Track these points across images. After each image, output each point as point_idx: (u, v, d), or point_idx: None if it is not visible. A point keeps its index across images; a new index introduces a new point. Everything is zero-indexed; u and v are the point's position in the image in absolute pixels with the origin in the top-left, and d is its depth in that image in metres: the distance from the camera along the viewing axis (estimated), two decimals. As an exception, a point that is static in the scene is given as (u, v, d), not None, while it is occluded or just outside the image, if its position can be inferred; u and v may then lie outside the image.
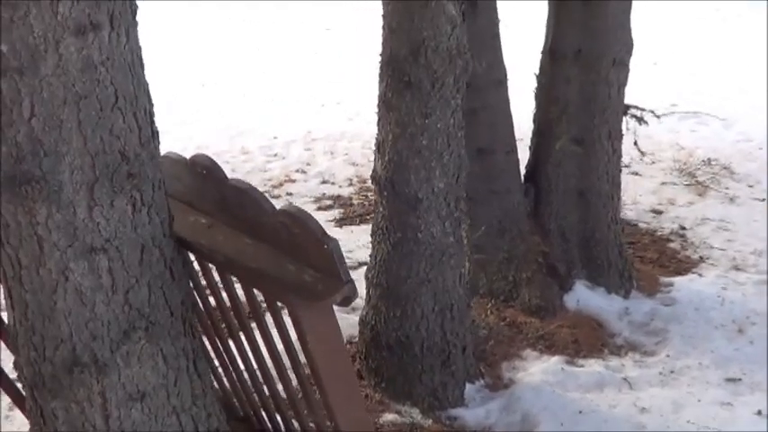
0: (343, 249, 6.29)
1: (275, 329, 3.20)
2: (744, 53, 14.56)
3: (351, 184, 8.22)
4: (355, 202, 7.67)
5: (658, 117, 6.01)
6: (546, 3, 5.61)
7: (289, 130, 10.27)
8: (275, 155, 9.29)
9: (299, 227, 2.83)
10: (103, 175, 2.73)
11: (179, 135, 10.03)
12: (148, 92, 2.93)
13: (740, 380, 4.89)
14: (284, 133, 10.14)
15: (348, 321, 5.15)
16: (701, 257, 6.49)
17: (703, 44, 15.42)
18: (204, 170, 3.26)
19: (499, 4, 5.33)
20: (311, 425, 3.61)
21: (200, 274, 3.42)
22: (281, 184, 8.27)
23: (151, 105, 2.95)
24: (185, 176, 3.36)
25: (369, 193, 7.69)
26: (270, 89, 12.49)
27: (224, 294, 3.41)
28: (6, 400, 4.52)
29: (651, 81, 12.36)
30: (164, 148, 7.57)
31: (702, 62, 13.94)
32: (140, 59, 2.88)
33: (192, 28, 18.54)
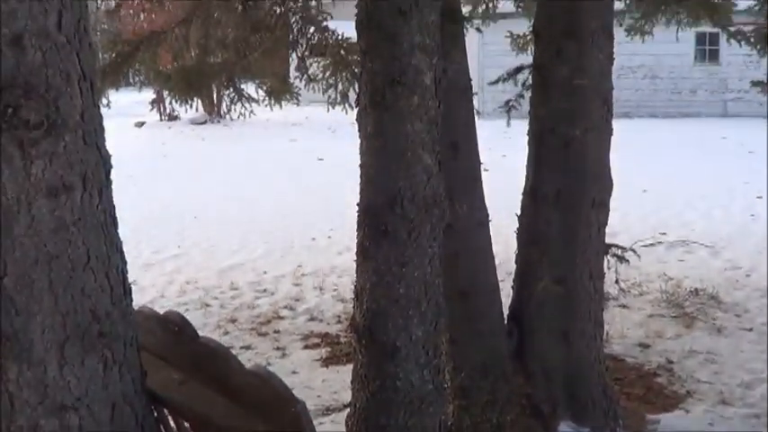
0: (328, 390, 6.33)
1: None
2: (729, 177, 14.72)
3: (339, 322, 8.22)
4: (343, 340, 7.66)
5: (639, 256, 6.05)
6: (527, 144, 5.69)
7: (278, 265, 10.32)
8: (264, 290, 9.31)
9: (267, 388, 2.85)
10: (74, 334, 2.75)
11: (167, 268, 10.09)
12: (121, 250, 2.96)
13: None
14: (274, 268, 10.19)
15: (330, 469, 5.12)
16: (687, 392, 6.46)
17: (691, 168, 15.59)
18: (176, 327, 3.28)
19: (480, 147, 5.42)
20: None
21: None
22: (269, 321, 8.27)
23: (124, 264, 2.98)
24: (157, 331, 3.38)
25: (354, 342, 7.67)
26: (261, 221, 12.58)
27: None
28: None
29: (640, 209, 12.48)
30: (152, 282, 7.59)
31: (690, 187, 14.07)
32: (113, 218, 2.92)
33: (186, 156, 18.77)
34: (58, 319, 2.72)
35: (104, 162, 2.87)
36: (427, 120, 4.05)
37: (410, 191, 4.06)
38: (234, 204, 13.81)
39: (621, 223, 11.08)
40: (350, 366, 4.73)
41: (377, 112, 4.07)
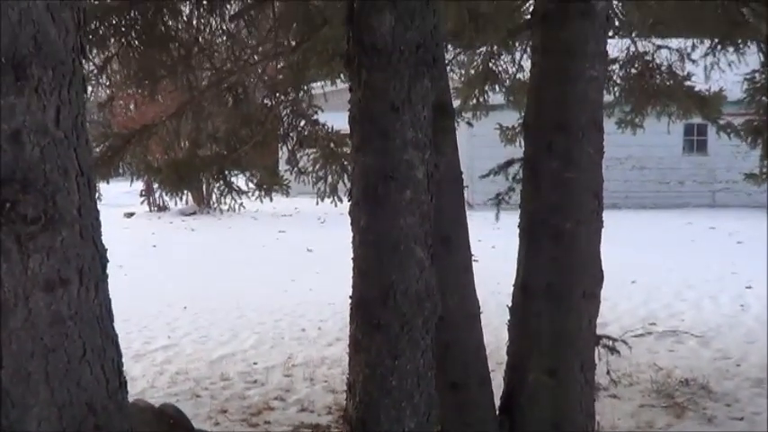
0: (321, 489, 6.25)
1: None
2: (718, 267, 14.80)
3: (330, 413, 8.18)
4: (334, 431, 7.62)
5: (630, 347, 6.08)
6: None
7: (269, 356, 10.31)
8: (255, 381, 9.28)
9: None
10: (70, 427, 2.77)
11: (158, 359, 10.08)
12: (117, 343, 2.99)
13: None
14: (264, 359, 10.18)
15: None
16: (680, 490, 6.45)
17: (679, 258, 15.68)
18: (171, 420, 3.30)
19: (470, 238, 5.46)
20: None
21: None
22: (259, 412, 8.23)
23: (119, 356, 3.01)
24: (153, 424, 3.40)
25: (347, 433, 7.67)
26: (251, 312, 12.59)
27: None
28: None
29: (630, 300, 12.53)
30: (142, 373, 7.60)
31: (678, 278, 14.16)
32: (109, 312, 2.95)
33: (175, 247, 18.81)
34: (54, 412, 2.74)
35: (101, 256, 2.91)
36: (420, 214, 4.11)
37: (403, 284, 4.10)
38: (224, 295, 13.82)
39: (611, 314, 11.13)
40: (342, 459, 4.75)
41: (370, 207, 4.13)
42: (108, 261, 2.98)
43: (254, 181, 9.16)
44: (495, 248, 13.30)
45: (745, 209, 23.18)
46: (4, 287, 2.62)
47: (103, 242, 2.98)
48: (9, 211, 2.63)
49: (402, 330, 4.14)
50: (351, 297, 4.32)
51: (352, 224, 4.24)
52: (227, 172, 9.02)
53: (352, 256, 4.29)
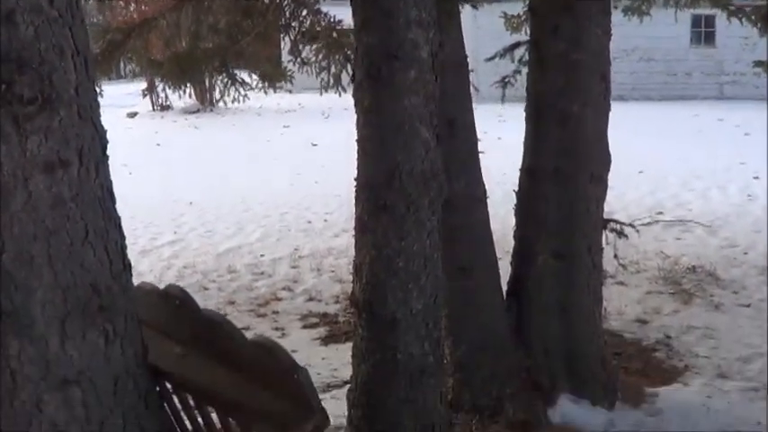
0: (328, 367, 6.34)
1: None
2: (725, 158, 14.73)
3: (337, 302, 8.22)
4: (341, 319, 7.66)
5: (638, 231, 6.05)
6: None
7: (275, 248, 10.33)
8: (262, 273, 9.31)
9: (269, 357, 2.85)
10: (75, 308, 2.76)
11: (165, 254, 10.10)
12: (119, 225, 2.96)
13: (727, 489, 4.86)
14: (271, 251, 10.20)
15: (333, 443, 5.13)
16: (686, 366, 6.46)
17: (687, 150, 15.61)
18: (177, 300, 3.28)
19: (477, 121, 5.41)
20: None
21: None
22: (267, 303, 8.27)
23: (122, 238, 2.98)
24: (159, 306, 3.38)
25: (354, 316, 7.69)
26: (256, 206, 12.58)
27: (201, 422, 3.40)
28: None
29: (638, 189, 12.49)
30: (149, 268, 7.60)
31: (686, 168, 14.09)
32: (111, 194, 2.92)
33: (179, 145, 18.76)
34: (58, 294, 2.72)
35: (100, 137, 2.87)
36: (424, 94, 4.05)
37: (408, 165, 4.06)
38: (229, 190, 13.81)
39: (618, 203, 11.09)
40: (349, 344, 4.75)
41: (373, 87, 4.07)
42: (108, 142, 2.94)
43: (257, 74, 9.06)
44: (501, 140, 13.21)
45: (753, 101, 22.95)
46: (3, 170, 2.59)
47: (102, 124, 2.93)
48: (5, 92, 2.59)
49: (408, 211, 4.11)
50: (356, 179, 4.29)
51: (356, 106, 4.19)
52: (229, 66, 8.91)
53: (356, 138, 4.24)
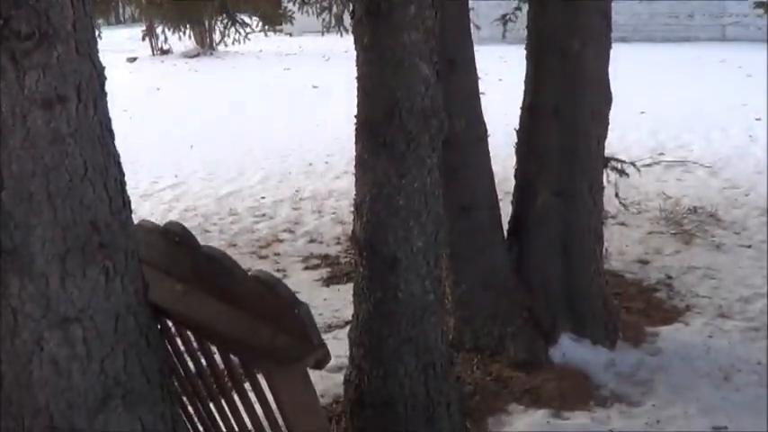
0: (330, 308, 6.36)
1: (254, 393, 3.21)
2: (727, 99, 14.67)
3: (338, 243, 8.24)
4: (343, 260, 7.68)
5: (638, 169, 6.04)
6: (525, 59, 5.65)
7: (276, 190, 10.33)
8: (263, 215, 9.32)
9: (270, 293, 2.85)
10: (75, 246, 2.75)
11: (166, 198, 10.10)
12: (119, 162, 2.95)
13: (726, 428, 4.85)
14: (272, 193, 10.21)
15: (334, 381, 5.15)
16: (687, 306, 6.48)
17: (688, 91, 15.54)
18: (177, 237, 3.27)
19: (478, 62, 5.38)
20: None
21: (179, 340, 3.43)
22: (268, 245, 8.29)
23: (122, 175, 2.97)
24: (160, 244, 3.38)
25: (355, 255, 7.69)
26: (257, 149, 12.56)
27: (203, 359, 3.42)
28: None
29: (639, 130, 12.46)
30: (150, 212, 7.60)
31: (687, 109, 14.04)
32: (110, 130, 2.90)
33: (179, 89, 18.70)
34: (57, 232, 2.71)
35: (98, 73, 2.84)
36: (424, 30, 4.02)
37: (408, 102, 4.04)
38: (230, 133, 13.77)
39: (620, 144, 11.05)
40: (350, 285, 4.76)
41: (373, 23, 4.04)
42: (106, 78, 2.92)
43: (258, 15, 9.02)
44: (502, 81, 13.14)
45: (756, 43, 22.79)
46: (1, 106, 2.57)
47: (101, 59, 2.91)
48: (2, 28, 2.56)
49: (408, 148, 4.09)
50: (356, 117, 4.27)
51: (355, 42, 4.15)
52: (229, 7, 8.86)
53: (356, 76, 4.21)
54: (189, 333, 3.38)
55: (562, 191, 5.52)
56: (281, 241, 8.40)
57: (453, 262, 5.23)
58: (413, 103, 4.04)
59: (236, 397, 3.40)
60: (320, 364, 2.84)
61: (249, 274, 2.99)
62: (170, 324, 3.36)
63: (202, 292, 3.17)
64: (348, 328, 4.77)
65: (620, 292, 6.64)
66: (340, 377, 4.99)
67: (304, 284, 7.09)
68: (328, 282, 7.26)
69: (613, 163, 5.83)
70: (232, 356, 3.24)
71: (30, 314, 2.75)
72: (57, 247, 2.72)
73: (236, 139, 13.23)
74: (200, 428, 3.95)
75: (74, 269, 2.77)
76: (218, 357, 3.34)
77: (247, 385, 3.28)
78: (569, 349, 5.60)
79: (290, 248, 8.18)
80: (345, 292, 6.52)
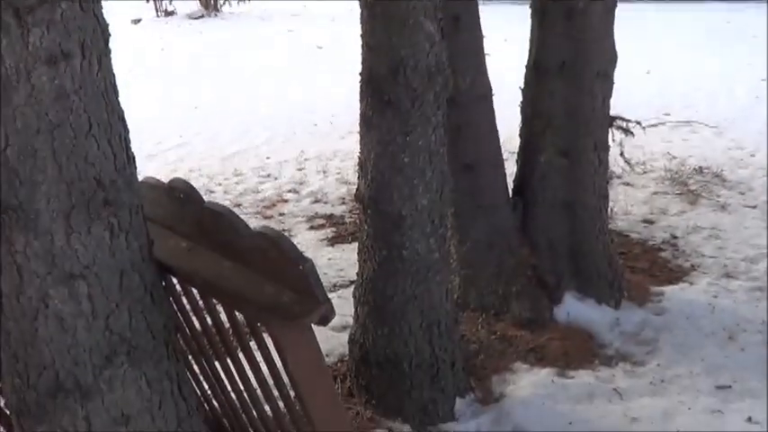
0: (335, 268, 6.37)
1: (259, 351, 3.22)
2: (733, 60, 14.60)
3: (343, 203, 8.23)
4: (348, 220, 7.68)
5: (644, 128, 6.02)
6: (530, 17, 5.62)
7: (281, 151, 10.32)
8: (268, 176, 9.31)
9: (274, 249, 2.85)
10: (80, 202, 2.75)
11: (170, 158, 10.09)
12: (123, 118, 2.94)
13: (731, 387, 4.87)
14: (277, 154, 10.19)
15: (339, 340, 5.17)
16: (692, 266, 6.48)
17: (693, 51, 15.46)
18: (182, 194, 3.27)
19: (482, 22, 5.35)
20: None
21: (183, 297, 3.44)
22: (273, 205, 8.29)
23: (126, 132, 2.96)
24: (164, 201, 3.38)
25: (359, 214, 7.70)
26: (262, 109, 12.53)
27: (208, 317, 3.42)
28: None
29: (644, 90, 12.40)
30: (155, 172, 7.61)
31: (693, 70, 13.97)
32: (114, 86, 2.89)
33: (184, 50, 18.63)
34: (62, 188, 2.71)
35: (103, 30, 2.82)
36: (428, -14, 4.01)
37: (413, 59, 4.03)
38: (234, 94, 13.72)
39: (625, 104, 10.95)
40: (355, 245, 4.77)
41: (377, -21, 4.03)
42: (110, 35, 2.90)
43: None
44: (507, 41, 13.06)
45: (761, 2, 22.66)
46: (5, 63, 2.55)
47: (104, 16, 2.89)
48: (6, -16, 2.54)
49: (413, 106, 4.08)
50: (360, 75, 4.25)
51: (359, 0, 4.14)
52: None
53: (360, 33, 4.20)
54: (193, 290, 3.39)
55: (566, 149, 5.50)
56: (285, 201, 8.40)
57: (457, 221, 5.22)
58: (417, 60, 4.02)
59: (240, 355, 3.42)
60: (324, 320, 2.84)
61: (254, 230, 2.98)
62: (175, 281, 3.37)
63: (207, 248, 3.17)
64: (353, 287, 4.78)
65: (625, 252, 6.64)
66: (344, 336, 5.01)
67: (309, 244, 7.10)
68: (333, 242, 7.27)
69: (619, 122, 5.80)
70: (237, 313, 3.24)
71: (35, 271, 2.76)
72: (61, 203, 2.72)
73: (240, 100, 13.17)
74: (205, 386, 3.97)
75: (79, 226, 2.77)
76: (223, 315, 3.35)
77: (252, 344, 3.29)
78: (574, 308, 5.61)
79: (295, 208, 8.18)
80: (350, 251, 6.55)
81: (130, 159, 2.97)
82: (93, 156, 2.77)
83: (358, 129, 4.37)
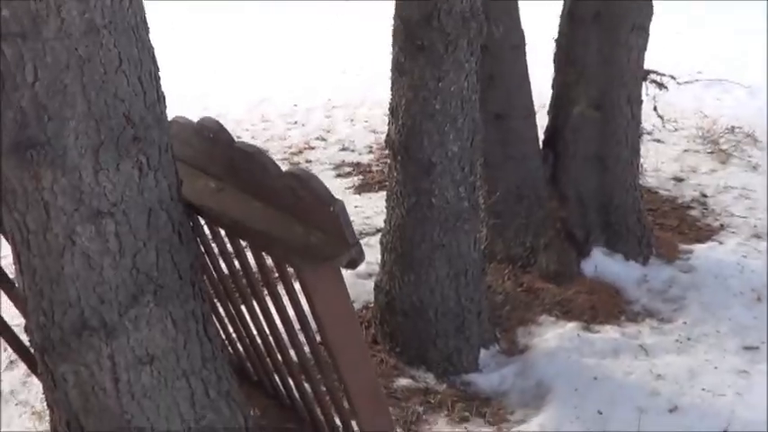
0: (361, 215, 6.34)
1: (286, 294, 3.19)
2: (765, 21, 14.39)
3: (370, 152, 8.20)
4: (375, 168, 7.65)
5: (679, 84, 5.94)
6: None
7: (309, 98, 10.26)
8: (295, 122, 9.28)
9: (305, 189, 2.81)
10: (108, 138, 2.71)
11: (198, 105, 10.03)
12: (153, 55, 2.90)
13: (758, 348, 4.84)
14: (304, 101, 10.14)
15: (365, 287, 5.15)
16: (721, 225, 6.43)
17: (727, 11, 15.26)
18: (212, 134, 3.23)
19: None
20: (323, 389, 3.60)
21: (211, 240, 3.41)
22: (300, 152, 8.26)
23: (156, 68, 2.92)
24: (194, 141, 3.34)
25: (388, 160, 7.65)
26: (290, 56, 12.46)
27: (235, 259, 3.40)
28: (23, 366, 4.56)
29: (675, 50, 12.25)
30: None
31: (726, 30, 13.79)
32: (144, 22, 2.84)
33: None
34: (91, 124, 2.67)
35: (133, -36, 2.78)
36: (462, -70, 3.95)
37: (447, 4, 3.98)
38: (262, 38, 13.65)
39: (657, 62, 10.87)
40: (382, 194, 4.74)
41: None
42: (141, -31, 2.85)
43: None
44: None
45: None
46: (35, -4, 2.51)
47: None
48: None
49: (446, 51, 4.03)
50: (393, 20, 4.20)
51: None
52: None
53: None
54: (221, 231, 3.36)
55: (599, 102, 5.44)
56: (312, 148, 8.37)
57: (486, 171, 5.17)
58: (452, 5, 3.97)
59: (267, 297, 3.39)
60: (354, 263, 2.81)
61: (284, 169, 2.94)
62: (202, 222, 3.34)
63: (236, 189, 3.14)
64: (379, 235, 4.75)
65: (654, 209, 6.60)
66: (370, 284, 5.00)
67: (335, 192, 6.93)
68: (360, 190, 7.24)
69: (653, 76, 5.72)
70: (264, 255, 3.21)
71: (62, 208, 2.72)
72: (90, 139, 2.68)
73: (268, 45, 13.10)
74: (230, 329, 3.97)
75: (107, 162, 2.73)
76: (250, 258, 3.32)
77: (279, 287, 3.26)
78: (602, 263, 5.58)
79: (322, 156, 8.16)
80: (377, 200, 6.52)
81: (160, 97, 2.93)
82: (123, 92, 2.73)
83: (387, 76, 4.32)
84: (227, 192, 3.17)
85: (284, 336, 3.52)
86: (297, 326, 3.31)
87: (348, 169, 7.77)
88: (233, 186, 3.16)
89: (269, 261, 3.27)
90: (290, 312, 3.29)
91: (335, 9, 16.08)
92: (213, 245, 3.45)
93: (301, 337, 3.40)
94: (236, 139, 3.19)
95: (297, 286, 3.04)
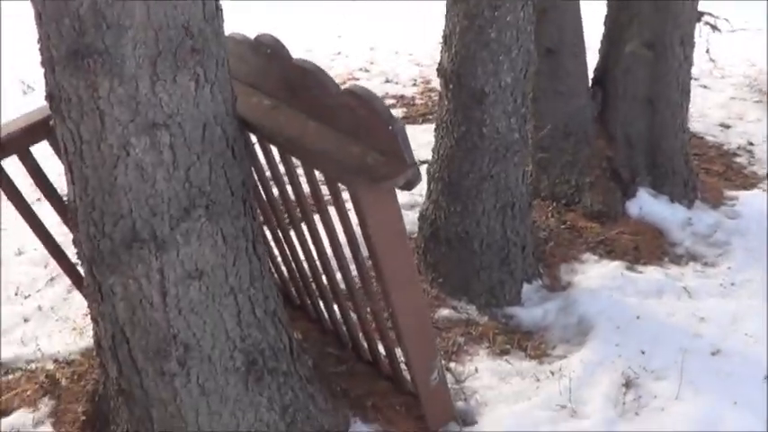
0: (405, 148, 6.25)
1: (336, 215, 3.17)
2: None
3: (414, 84, 8.15)
4: (418, 101, 7.60)
5: (733, 30, 5.85)
6: None
7: (353, 30, 10.18)
8: (339, 53, 9.23)
9: (364, 108, 2.77)
10: (166, 49, 2.68)
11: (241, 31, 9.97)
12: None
13: (800, 295, 4.80)
14: (349, 32, 10.06)
15: (407, 218, 5.10)
16: (767, 174, 6.35)
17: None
18: (269, 50, 3.20)
19: None
20: (368, 315, 3.60)
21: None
22: (344, 83, 8.17)
23: (221, -21, 2.89)
24: (250, 57, 3.31)
25: (432, 94, 7.60)
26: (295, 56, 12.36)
27: (285, 180, 3.38)
28: (66, 282, 4.57)
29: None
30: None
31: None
32: None
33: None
34: (150, 34, 2.64)
35: None
36: None
37: (507, -69, 3.91)
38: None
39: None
40: (425, 126, 4.70)
41: None
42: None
43: None
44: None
45: None
46: None
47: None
48: None
49: (504, -21, 3.98)
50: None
51: None
52: None
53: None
54: (272, 148, 3.34)
55: (652, 42, 5.35)
56: (356, 79, 8.32)
57: (535, 105, 5.10)
58: (512, -68, 3.92)
59: (317, 218, 3.38)
60: (410, 184, 2.78)
61: (343, 88, 2.91)
62: (254, 141, 3.32)
63: (292, 107, 3.11)
64: (423, 167, 4.72)
65: (701, 154, 6.54)
66: (413, 215, 4.98)
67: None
68: (403, 122, 7.18)
69: (707, 17, 5.63)
70: (317, 175, 3.20)
71: (117, 118, 2.70)
72: (148, 49, 2.65)
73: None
74: (276, 253, 3.96)
75: (164, 73, 2.70)
76: (302, 180, 3.31)
77: (331, 210, 3.25)
78: (647, 204, 5.53)
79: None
80: (420, 132, 6.47)
81: (219, 10, 2.89)
82: (183, 3, 2.69)
83: (436, 8, 4.26)
84: (281, 109, 3.14)
85: (332, 259, 3.51)
86: (346, 249, 3.30)
87: (392, 101, 7.72)
88: (288, 104, 3.13)
89: (321, 181, 3.26)
90: (340, 235, 3.27)
91: (343, 9, 15.94)
92: (264, 161, 3.44)
93: (349, 261, 3.39)
94: (293, 57, 3.15)
95: (349, 207, 3.02)
